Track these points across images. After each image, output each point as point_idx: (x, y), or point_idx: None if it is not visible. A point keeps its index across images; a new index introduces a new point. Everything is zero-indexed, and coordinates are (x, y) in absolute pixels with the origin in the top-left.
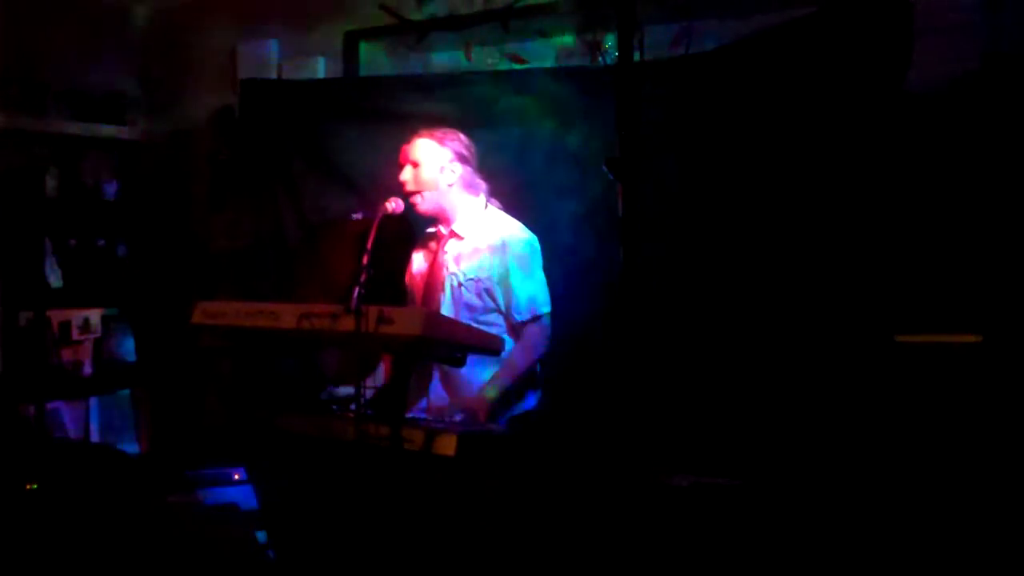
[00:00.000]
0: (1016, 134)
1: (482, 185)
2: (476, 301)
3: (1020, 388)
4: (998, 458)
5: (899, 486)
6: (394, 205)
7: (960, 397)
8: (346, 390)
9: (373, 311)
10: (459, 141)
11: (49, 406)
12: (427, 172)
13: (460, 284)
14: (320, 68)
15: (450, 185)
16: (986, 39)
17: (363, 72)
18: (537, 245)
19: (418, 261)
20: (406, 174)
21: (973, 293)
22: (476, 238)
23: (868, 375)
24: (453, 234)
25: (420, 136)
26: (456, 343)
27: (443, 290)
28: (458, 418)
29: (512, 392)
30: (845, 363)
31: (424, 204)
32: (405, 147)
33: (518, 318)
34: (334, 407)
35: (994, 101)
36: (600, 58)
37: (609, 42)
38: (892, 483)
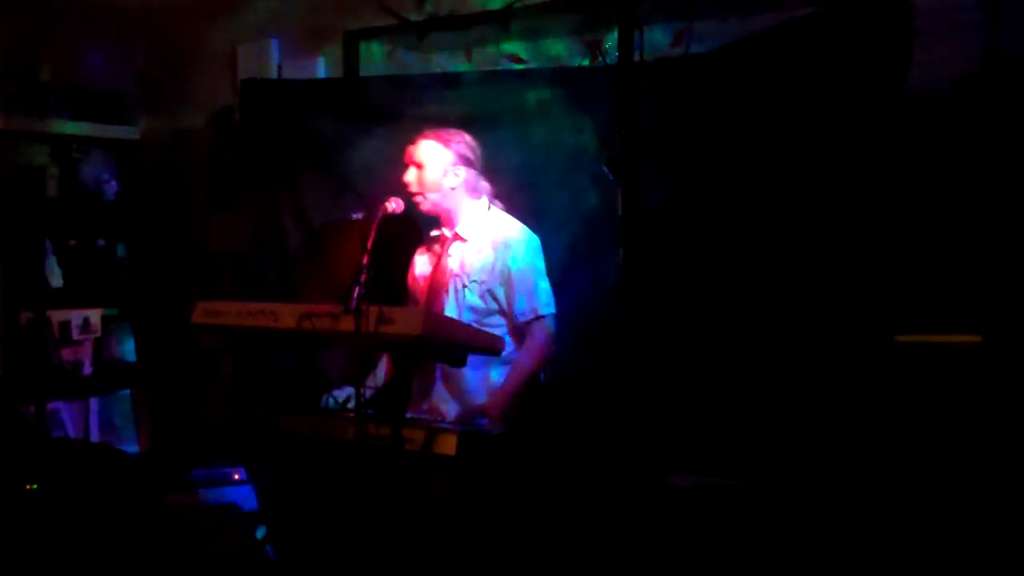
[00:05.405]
0: (1016, 134)
1: (485, 187)
2: (479, 303)
3: (1020, 388)
4: (998, 458)
5: (899, 486)
6: (394, 205)
7: (960, 397)
8: (347, 391)
9: (373, 311)
10: (464, 143)
11: (49, 406)
12: (431, 174)
13: (464, 286)
14: (320, 68)
15: (453, 188)
16: (986, 39)
17: (363, 72)
18: (539, 246)
19: (422, 264)
20: (410, 175)
21: (973, 293)
22: (479, 240)
23: (868, 375)
24: (457, 237)
25: (425, 137)
26: (456, 343)
27: (447, 293)
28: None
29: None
30: (845, 363)
31: (427, 205)
32: (409, 148)
33: (521, 319)
34: (334, 407)
35: (994, 101)
36: (600, 58)
37: (609, 42)
38: (892, 483)
